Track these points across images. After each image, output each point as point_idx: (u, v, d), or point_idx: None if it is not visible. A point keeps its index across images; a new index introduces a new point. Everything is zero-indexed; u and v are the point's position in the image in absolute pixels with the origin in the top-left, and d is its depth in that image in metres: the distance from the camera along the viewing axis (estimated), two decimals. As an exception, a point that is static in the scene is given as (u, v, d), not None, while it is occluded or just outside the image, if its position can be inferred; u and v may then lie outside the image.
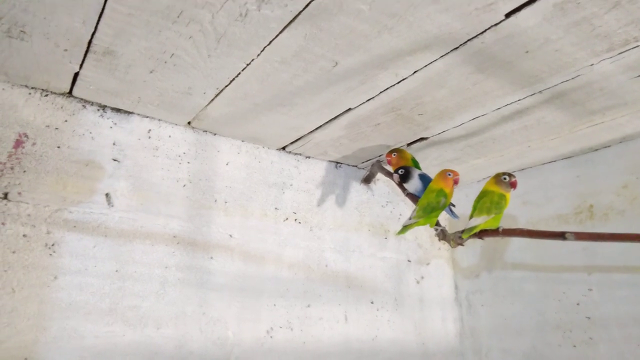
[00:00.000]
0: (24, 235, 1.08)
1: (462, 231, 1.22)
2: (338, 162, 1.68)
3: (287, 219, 1.51)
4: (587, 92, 1.15)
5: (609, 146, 1.47)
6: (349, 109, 1.26)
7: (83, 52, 1.01)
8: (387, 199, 1.77)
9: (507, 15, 0.88)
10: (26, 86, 1.16)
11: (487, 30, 0.92)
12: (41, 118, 1.17)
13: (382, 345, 1.56)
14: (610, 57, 1.01)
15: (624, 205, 1.42)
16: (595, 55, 1.00)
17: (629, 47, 0.97)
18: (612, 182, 1.46)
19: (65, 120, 1.20)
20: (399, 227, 1.31)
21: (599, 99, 1.19)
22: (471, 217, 1.21)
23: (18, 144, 1.13)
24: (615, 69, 1.05)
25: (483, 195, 1.21)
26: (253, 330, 1.33)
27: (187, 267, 1.28)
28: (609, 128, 1.34)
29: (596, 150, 1.50)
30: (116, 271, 1.17)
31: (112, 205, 1.21)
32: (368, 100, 1.21)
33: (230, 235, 1.38)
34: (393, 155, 1.42)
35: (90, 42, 0.98)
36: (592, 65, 1.04)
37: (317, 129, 1.38)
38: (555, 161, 1.61)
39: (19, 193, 1.10)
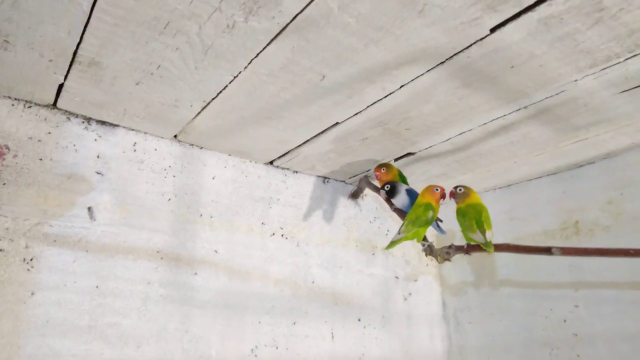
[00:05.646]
0: (1, 250, 1.05)
1: (450, 246, 1.21)
2: (326, 177, 1.67)
3: (273, 234, 1.49)
4: (572, 108, 1.17)
5: (594, 162, 1.49)
6: (337, 123, 1.26)
7: (68, 63, 1.00)
8: (375, 215, 1.76)
9: (492, 30, 0.89)
10: (9, 97, 1.14)
11: (473, 45, 0.93)
12: (24, 130, 1.14)
13: (370, 364, 1.53)
14: (594, 73, 1.02)
15: (609, 221, 1.43)
16: (579, 70, 1.02)
17: (612, 63, 0.99)
18: (597, 198, 1.47)
19: (49, 132, 1.18)
20: (387, 243, 1.30)
21: (583, 115, 1.20)
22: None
23: (-2, 155, 1.10)
24: (599, 84, 1.07)
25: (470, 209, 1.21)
26: (237, 349, 1.30)
27: (170, 283, 1.24)
28: (593, 144, 1.36)
29: (581, 166, 1.52)
30: (96, 287, 1.14)
31: (95, 219, 1.18)
32: (355, 114, 1.21)
33: (216, 251, 1.35)
34: (382, 170, 1.42)
35: (75, 53, 0.96)
36: (576, 80, 1.05)
37: (305, 142, 1.38)
38: (541, 177, 1.63)
39: (-2, 206, 1.07)
